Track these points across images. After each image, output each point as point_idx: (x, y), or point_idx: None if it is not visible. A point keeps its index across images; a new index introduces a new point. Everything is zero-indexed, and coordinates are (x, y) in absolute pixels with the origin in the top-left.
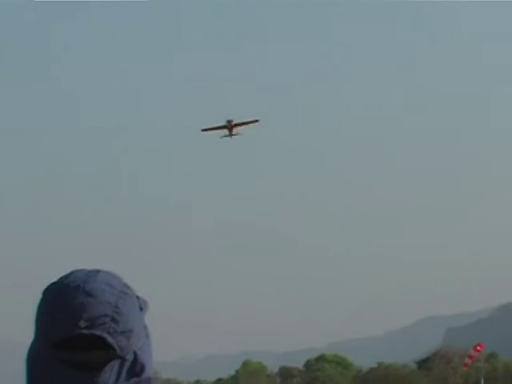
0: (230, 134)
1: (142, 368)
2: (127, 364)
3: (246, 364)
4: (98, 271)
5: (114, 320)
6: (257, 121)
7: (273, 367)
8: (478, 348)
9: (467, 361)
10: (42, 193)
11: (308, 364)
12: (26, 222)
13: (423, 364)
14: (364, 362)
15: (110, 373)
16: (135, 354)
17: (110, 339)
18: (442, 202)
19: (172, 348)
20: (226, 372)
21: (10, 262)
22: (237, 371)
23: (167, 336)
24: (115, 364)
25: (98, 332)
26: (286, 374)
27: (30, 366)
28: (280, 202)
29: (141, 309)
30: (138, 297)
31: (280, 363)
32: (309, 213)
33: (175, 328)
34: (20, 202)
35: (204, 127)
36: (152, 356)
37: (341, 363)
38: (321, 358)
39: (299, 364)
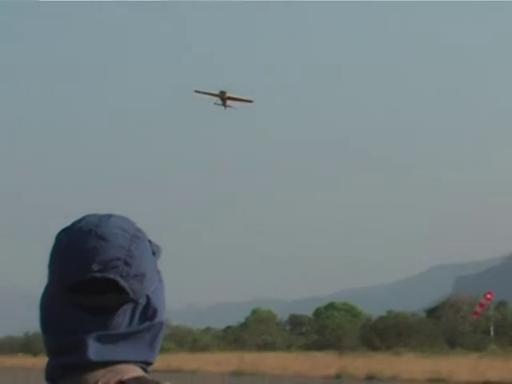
0: (224, 104)
1: (155, 312)
2: (140, 308)
3: (255, 312)
4: (110, 215)
5: (126, 263)
6: (251, 101)
7: (282, 315)
8: (488, 296)
9: (477, 309)
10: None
11: (317, 312)
12: (38, 167)
13: (432, 313)
14: (373, 310)
15: (123, 316)
16: (148, 297)
17: (122, 282)
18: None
19: (181, 296)
20: (236, 320)
21: (23, 210)
22: (246, 319)
23: (176, 284)
24: (128, 308)
25: (110, 275)
26: (295, 321)
27: (43, 310)
28: None
29: (153, 253)
30: (150, 241)
31: (289, 311)
32: None
33: (184, 276)
34: (35, 150)
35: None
36: (165, 301)
37: (350, 311)
38: (330, 307)
39: (309, 312)
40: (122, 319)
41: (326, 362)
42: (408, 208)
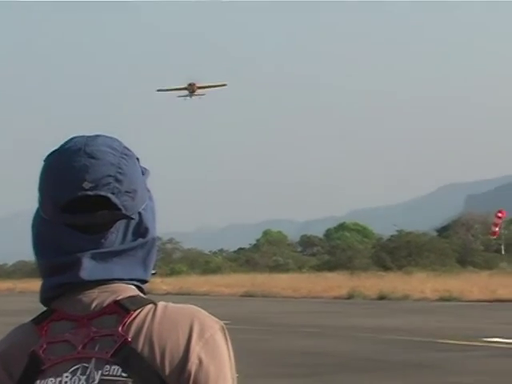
0: (191, 95)
1: (147, 229)
2: (132, 225)
3: (266, 233)
4: (97, 135)
5: (117, 180)
6: (224, 84)
7: (293, 236)
8: (500, 215)
9: (494, 229)
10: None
11: (328, 233)
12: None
13: (443, 232)
14: (384, 230)
15: (116, 234)
16: (140, 214)
17: (114, 199)
18: None
19: (192, 219)
20: (247, 241)
21: (11, 131)
22: (257, 240)
23: (187, 207)
24: (121, 225)
25: (102, 192)
26: (306, 242)
27: (36, 232)
28: None
29: (142, 173)
30: (138, 159)
31: (300, 232)
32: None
33: (195, 199)
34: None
35: (160, 88)
36: (155, 219)
37: (361, 231)
38: (341, 227)
39: (320, 233)
40: (115, 236)
41: (337, 283)
42: (416, 127)
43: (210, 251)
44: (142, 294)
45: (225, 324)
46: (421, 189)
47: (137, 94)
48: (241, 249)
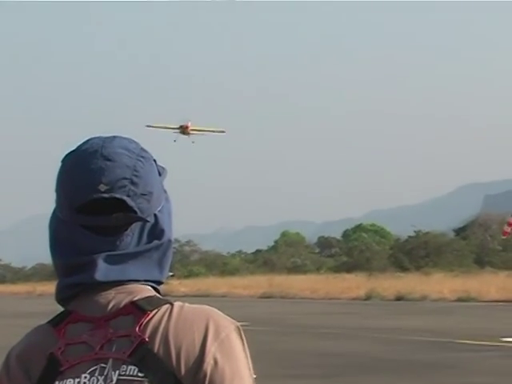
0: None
1: (162, 231)
2: (148, 227)
3: (284, 234)
4: (114, 137)
5: (133, 183)
6: (223, 131)
7: (311, 237)
8: None
9: (506, 229)
10: None
11: (346, 234)
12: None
13: (461, 232)
14: (402, 231)
15: (131, 236)
16: (156, 216)
17: (130, 201)
18: None
19: (211, 221)
20: (265, 243)
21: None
22: (275, 242)
23: (206, 209)
24: (136, 227)
25: (118, 195)
26: (324, 243)
27: (52, 233)
28: None
29: (159, 174)
30: (155, 161)
31: (318, 233)
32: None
33: (213, 201)
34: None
35: (150, 124)
36: (172, 220)
37: (379, 232)
38: (358, 228)
39: (337, 234)
40: (131, 239)
41: (355, 284)
42: (435, 126)
43: (228, 253)
44: (158, 295)
45: (243, 325)
46: (440, 189)
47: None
48: (259, 250)
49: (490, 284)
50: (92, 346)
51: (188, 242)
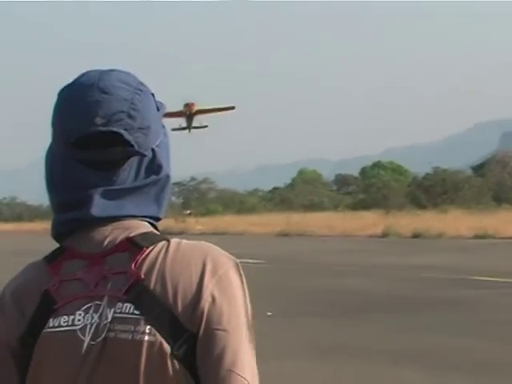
0: (189, 122)
1: (160, 166)
2: (145, 162)
3: (301, 172)
4: (112, 70)
5: (130, 116)
6: (233, 108)
7: (328, 175)
8: None
9: None
10: None
11: (363, 171)
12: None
13: (479, 169)
14: (419, 168)
15: (128, 170)
16: (153, 151)
17: (127, 135)
18: None
19: (226, 158)
20: (282, 181)
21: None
22: (292, 180)
23: (221, 146)
24: (133, 162)
25: (114, 128)
26: (341, 181)
27: (48, 168)
28: None
29: (157, 109)
30: (153, 95)
31: (335, 171)
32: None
33: (229, 138)
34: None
35: None
36: (169, 155)
37: (396, 170)
38: (376, 166)
39: (355, 172)
40: (128, 173)
41: (372, 221)
42: (453, 64)
43: (244, 191)
44: (155, 231)
45: (259, 263)
46: (456, 126)
47: None
48: (275, 188)
49: (507, 221)
50: (87, 283)
51: (205, 180)
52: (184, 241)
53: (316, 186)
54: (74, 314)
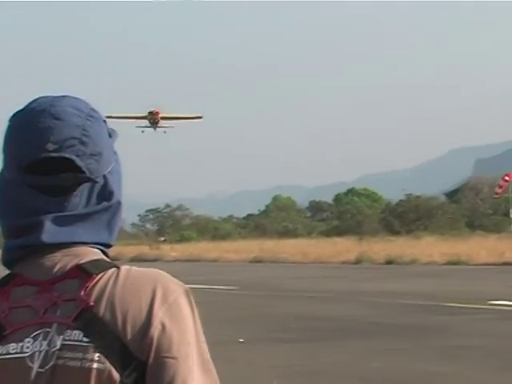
0: (153, 126)
1: (112, 193)
2: (97, 188)
3: (275, 199)
4: (64, 96)
5: (82, 143)
6: (200, 117)
7: (303, 202)
8: (507, 178)
9: (497, 190)
10: None
11: (337, 198)
12: None
13: (452, 196)
14: (393, 195)
15: (79, 197)
16: (105, 178)
17: (78, 161)
18: None
19: (202, 185)
20: (257, 207)
21: None
22: (266, 206)
23: (197, 174)
24: (85, 188)
25: (66, 154)
26: (315, 208)
27: (0, 193)
28: None
29: (109, 136)
30: (105, 121)
31: (310, 198)
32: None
33: (205, 166)
34: None
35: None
36: (121, 182)
37: (370, 196)
38: (350, 192)
39: (329, 198)
40: (79, 200)
41: (345, 248)
42: (426, 91)
43: (219, 217)
44: (106, 258)
45: (233, 289)
46: (429, 153)
47: None
48: (250, 215)
49: (480, 247)
50: (36, 309)
51: (179, 207)
52: (134, 268)
53: (290, 212)
54: (22, 341)
